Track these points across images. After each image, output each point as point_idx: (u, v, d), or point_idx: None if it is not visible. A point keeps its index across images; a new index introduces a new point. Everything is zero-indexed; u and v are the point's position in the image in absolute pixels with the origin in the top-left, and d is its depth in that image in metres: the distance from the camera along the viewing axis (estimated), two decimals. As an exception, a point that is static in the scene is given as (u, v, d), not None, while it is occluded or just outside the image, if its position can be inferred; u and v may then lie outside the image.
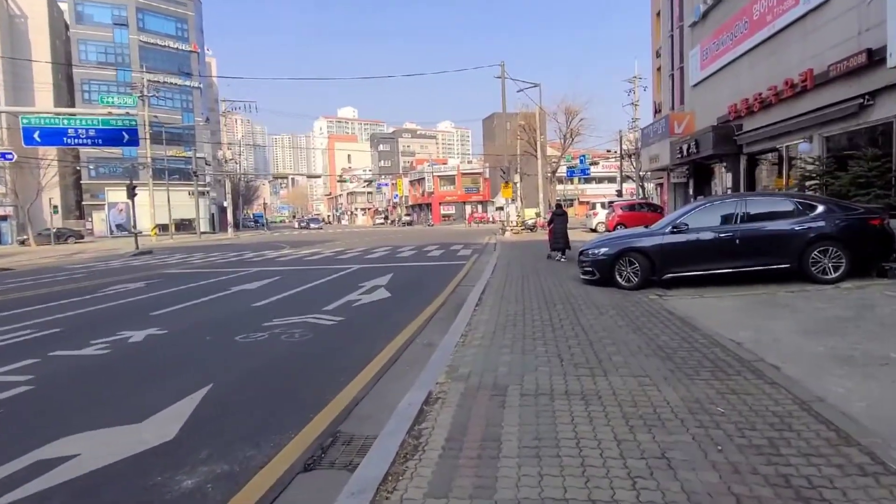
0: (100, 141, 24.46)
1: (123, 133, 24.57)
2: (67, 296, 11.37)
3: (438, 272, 13.33)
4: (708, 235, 8.37)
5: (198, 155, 48.77)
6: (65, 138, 23.49)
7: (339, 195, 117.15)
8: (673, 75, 21.10)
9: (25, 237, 41.45)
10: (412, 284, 11.22)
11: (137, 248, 26.33)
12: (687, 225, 8.43)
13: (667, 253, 8.49)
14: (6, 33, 48.05)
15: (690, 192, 19.30)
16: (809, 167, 10.38)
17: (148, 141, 42.23)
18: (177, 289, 11.87)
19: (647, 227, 9.76)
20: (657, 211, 25.19)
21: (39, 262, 23.47)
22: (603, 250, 8.92)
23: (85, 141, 24.06)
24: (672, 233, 8.51)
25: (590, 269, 9.08)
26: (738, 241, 8.18)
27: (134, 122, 25.25)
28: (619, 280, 8.74)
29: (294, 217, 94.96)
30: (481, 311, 7.33)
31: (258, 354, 5.98)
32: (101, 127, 23.75)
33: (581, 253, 9.41)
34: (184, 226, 52.20)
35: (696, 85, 18.18)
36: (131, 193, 25.70)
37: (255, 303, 9.38)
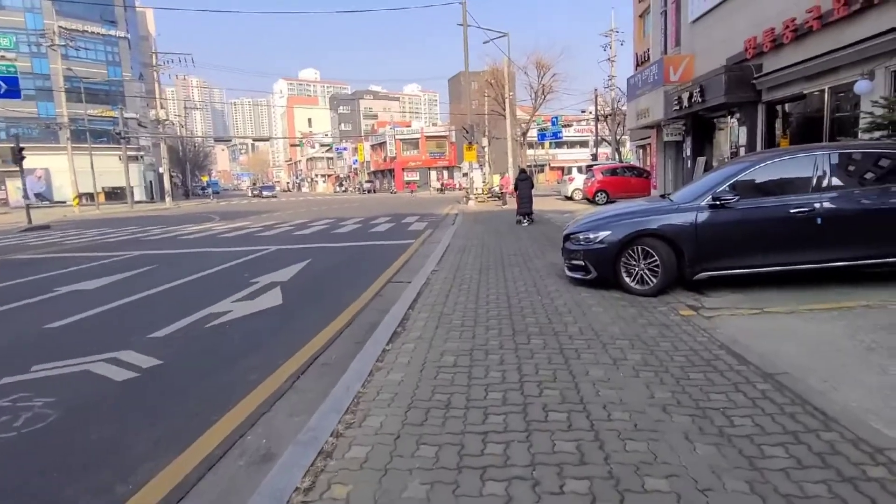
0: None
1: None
2: None
3: (372, 258, 10.02)
4: (772, 211, 5.28)
5: (127, 115, 43.21)
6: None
7: (299, 161, 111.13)
8: (665, 12, 17.74)
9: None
10: (325, 281, 7.89)
11: (30, 221, 21.97)
12: (736, 194, 5.30)
13: (705, 239, 5.37)
14: None
15: (687, 152, 16.27)
16: (878, 112, 7.39)
17: (63, 98, 36.95)
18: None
19: (666, 196, 6.62)
20: (644, 176, 22.25)
21: None
22: (602, 234, 5.73)
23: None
24: (712, 207, 5.38)
25: (581, 262, 5.91)
26: (820, 221, 5.11)
27: (13, 69, 20.56)
28: (628, 280, 5.62)
29: (254, 184, 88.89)
30: (398, 353, 4.09)
31: None
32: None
33: (567, 238, 6.21)
34: (115, 194, 46.94)
35: (697, 20, 14.91)
36: (17, 157, 21.15)
37: (56, 321, 5.88)
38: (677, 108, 14.73)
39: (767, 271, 5.36)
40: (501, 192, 22.70)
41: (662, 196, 6.87)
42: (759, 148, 12.11)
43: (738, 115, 12.81)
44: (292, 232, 15.51)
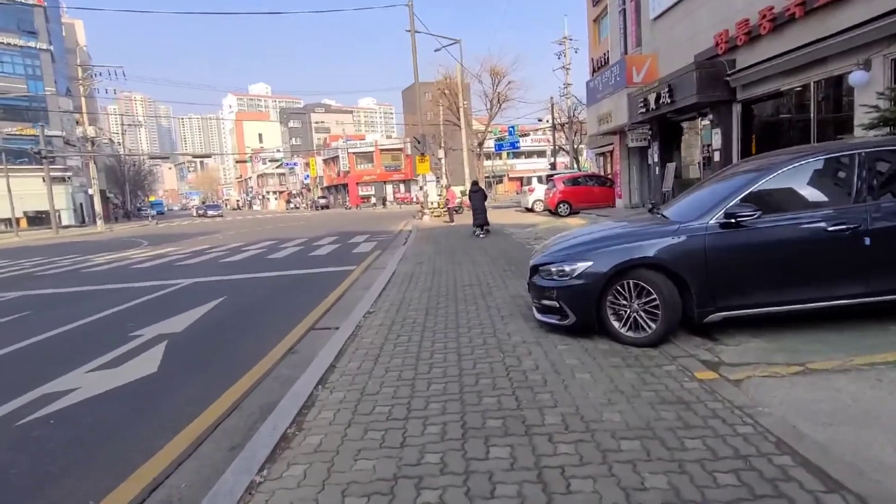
0: None
1: None
2: None
3: (301, 292, 8.36)
4: (804, 230, 4.00)
5: (50, 132, 39.72)
6: None
7: (250, 178, 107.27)
8: (624, 10, 16.87)
9: None
10: (229, 330, 6.18)
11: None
12: (756, 209, 3.99)
13: (718, 268, 4.04)
14: None
15: (654, 158, 15.32)
16: (884, 105, 6.36)
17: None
18: None
19: (655, 211, 5.28)
20: (607, 185, 21.34)
21: None
22: (581, 266, 4.30)
23: None
24: (725, 226, 4.06)
25: (554, 302, 4.45)
26: (869, 242, 3.85)
27: None
28: (617, 326, 4.22)
29: (204, 203, 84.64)
30: (274, 490, 2.49)
31: None
32: None
33: (536, 270, 4.74)
34: (41, 219, 43.02)
35: (659, 17, 14.04)
36: None
37: None
38: (643, 110, 13.75)
39: (800, 309, 4.06)
40: (448, 208, 21.30)
41: (651, 211, 5.54)
42: (735, 151, 11.16)
43: (710, 117, 11.87)
44: (221, 259, 13.60)
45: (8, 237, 34.57)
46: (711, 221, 4.12)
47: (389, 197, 59.73)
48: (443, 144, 42.83)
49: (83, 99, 40.80)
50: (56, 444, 3.37)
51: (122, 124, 68.59)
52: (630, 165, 19.47)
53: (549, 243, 5.40)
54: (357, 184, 62.58)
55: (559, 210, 20.09)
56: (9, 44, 40.80)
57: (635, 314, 4.19)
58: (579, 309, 4.32)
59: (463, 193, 30.47)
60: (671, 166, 14.08)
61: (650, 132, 15.70)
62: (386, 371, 3.91)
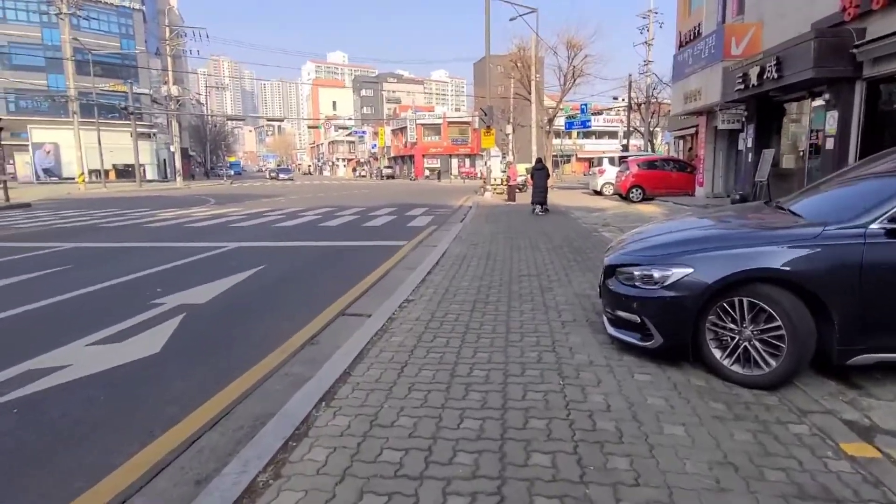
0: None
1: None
2: None
3: (345, 266, 7.73)
4: None
5: (139, 90, 41.68)
6: None
7: (322, 144, 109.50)
8: (728, -29, 14.79)
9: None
10: (254, 306, 5.59)
11: (7, 199, 20.30)
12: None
13: (879, 290, 2.90)
14: None
15: (748, 143, 13.42)
16: None
17: (71, 69, 35.33)
18: None
19: (774, 204, 4.07)
20: (687, 170, 19.37)
21: None
22: (676, 273, 3.24)
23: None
24: (894, 234, 2.87)
25: (635, 316, 3.43)
26: None
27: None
28: (717, 356, 3.19)
29: (277, 166, 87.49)
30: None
31: None
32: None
33: (612, 272, 3.71)
34: (127, 172, 45.59)
35: (773, -24, 12.04)
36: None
37: None
38: (741, 87, 11.93)
39: None
40: (508, 185, 20.11)
41: (767, 203, 4.33)
42: (854, 139, 9.34)
43: (826, 97, 9.99)
44: (275, 223, 13.31)
45: (96, 187, 36.84)
46: (875, 226, 2.94)
47: (454, 171, 58.77)
48: (511, 120, 41.19)
49: (169, 59, 42.37)
50: (12, 441, 2.81)
51: (207, 85, 71.27)
52: (716, 150, 17.43)
53: (626, 238, 4.32)
54: (423, 156, 62.01)
55: (631, 195, 18.46)
56: (105, 2, 42.86)
57: (746, 343, 3.12)
58: (669, 329, 3.29)
59: (527, 171, 29.17)
60: (768, 153, 12.21)
61: (745, 113, 13.74)
62: (409, 390, 3.09)
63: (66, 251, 9.15)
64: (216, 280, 6.54)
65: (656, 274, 3.31)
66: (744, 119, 13.76)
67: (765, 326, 3.05)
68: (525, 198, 18.64)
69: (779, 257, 3.03)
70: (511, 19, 30.43)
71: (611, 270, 3.71)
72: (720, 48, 12.97)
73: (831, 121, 9.73)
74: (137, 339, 4.37)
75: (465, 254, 7.87)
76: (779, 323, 3.00)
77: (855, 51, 8.99)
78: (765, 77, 10.80)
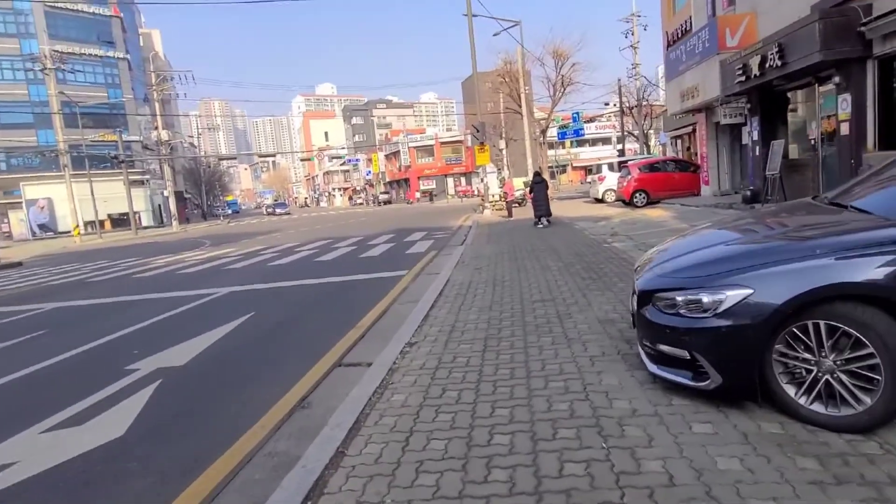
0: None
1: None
2: None
3: (340, 305, 7.16)
4: None
5: (129, 138, 41.63)
6: None
7: (317, 175, 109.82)
8: (714, -36, 14.47)
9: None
10: (240, 364, 5.00)
11: (-3, 259, 19.86)
12: None
13: None
14: None
15: (754, 136, 12.89)
16: None
17: (59, 123, 35.29)
18: None
19: (832, 202, 3.49)
20: (690, 170, 18.85)
21: None
22: (734, 296, 2.64)
23: None
24: None
25: (683, 352, 2.82)
26: None
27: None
28: (790, 393, 2.58)
29: (276, 201, 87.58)
30: None
31: None
32: None
33: (648, 297, 3.09)
34: (123, 220, 45.31)
35: (761, -37, 11.66)
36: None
37: None
38: (741, 79, 11.46)
39: None
40: (506, 201, 19.66)
41: (814, 200, 3.74)
42: (871, 122, 8.81)
43: (836, 80, 9.48)
44: (270, 262, 12.77)
45: (92, 239, 36.47)
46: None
47: (451, 190, 58.55)
48: (503, 135, 40.94)
49: (157, 104, 42.44)
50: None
51: (199, 127, 71.69)
52: (719, 146, 16.93)
53: (652, 255, 3.73)
54: (419, 178, 61.85)
55: (634, 200, 17.91)
56: (90, 54, 43.10)
57: (828, 377, 2.51)
58: (728, 365, 2.69)
59: (525, 185, 28.73)
60: (778, 144, 11.68)
61: (748, 106, 13.26)
62: (416, 472, 2.47)
63: (45, 313, 8.59)
64: (200, 334, 5.95)
65: (706, 299, 2.72)
66: (747, 112, 13.27)
67: (851, 355, 2.45)
68: (524, 212, 18.15)
69: (863, 268, 2.44)
70: (495, 34, 30.35)
71: (646, 296, 3.11)
72: (714, 41, 12.56)
73: (844, 104, 9.21)
74: (100, 420, 3.77)
75: (469, 280, 7.28)
76: (871, 349, 2.40)
77: (863, 28, 8.51)
78: (767, 66, 10.32)
